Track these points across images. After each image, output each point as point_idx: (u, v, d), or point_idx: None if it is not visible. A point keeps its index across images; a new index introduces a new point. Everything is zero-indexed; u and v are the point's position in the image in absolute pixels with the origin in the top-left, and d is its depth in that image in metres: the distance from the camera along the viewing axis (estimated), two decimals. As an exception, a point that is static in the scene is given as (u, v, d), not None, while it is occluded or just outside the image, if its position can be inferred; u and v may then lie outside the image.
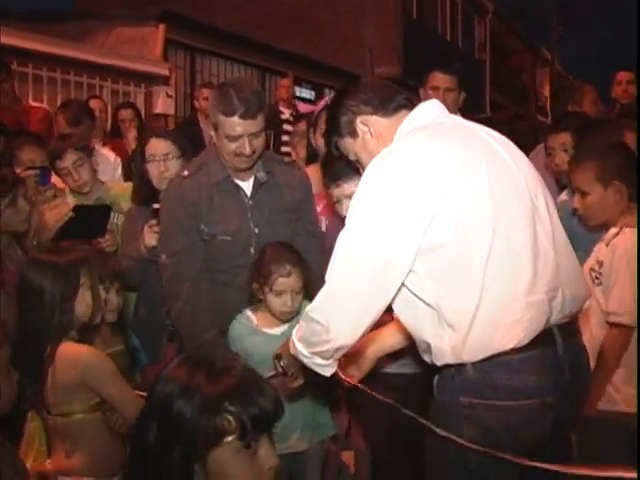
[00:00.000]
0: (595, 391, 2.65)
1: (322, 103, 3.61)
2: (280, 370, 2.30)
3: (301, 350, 2.05)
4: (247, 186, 2.98)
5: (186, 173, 2.99)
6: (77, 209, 2.96)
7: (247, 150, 2.80)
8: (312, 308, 2.00)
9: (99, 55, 8.47)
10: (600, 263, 2.74)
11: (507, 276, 1.90)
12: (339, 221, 2.65)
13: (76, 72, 8.01)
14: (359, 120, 2.16)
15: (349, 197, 2.44)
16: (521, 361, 1.91)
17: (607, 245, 2.76)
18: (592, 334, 2.72)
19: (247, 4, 14.32)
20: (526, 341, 1.91)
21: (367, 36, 14.71)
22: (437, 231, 1.88)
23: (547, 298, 1.94)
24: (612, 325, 2.67)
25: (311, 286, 2.86)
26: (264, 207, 2.98)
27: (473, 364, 1.92)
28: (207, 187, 2.93)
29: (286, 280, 2.75)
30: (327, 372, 2.07)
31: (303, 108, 7.83)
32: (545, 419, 1.96)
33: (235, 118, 2.74)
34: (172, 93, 9.25)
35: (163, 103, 9.04)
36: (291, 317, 2.82)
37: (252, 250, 2.90)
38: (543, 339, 1.94)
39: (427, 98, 3.98)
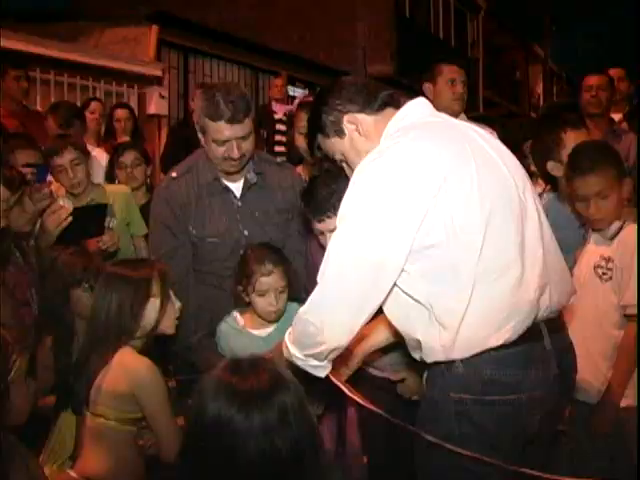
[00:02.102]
0: (618, 385, 2.71)
1: (297, 101, 3.59)
2: None
3: (295, 353, 2.06)
4: (237, 188, 2.97)
5: (174, 174, 2.98)
6: (74, 212, 2.97)
7: (235, 154, 2.79)
8: (305, 310, 2.00)
9: (92, 56, 8.45)
10: (607, 259, 2.79)
11: (496, 275, 1.91)
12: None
13: (69, 74, 8.01)
14: (346, 119, 2.14)
15: (333, 231, 2.38)
16: (509, 356, 1.94)
17: (611, 239, 2.81)
18: (604, 330, 2.79)
19: (240, 4, 14.31)
20: (514, 338, 1.93)
21: (360, 35, 14.72)
22: (428, 231, 1.88)
23: (535, 296, 1.96)
24: (632, 317, 2.72)
25: (300, 287, 2.88)
26: (254, 209, 2.97)
27: (462, 360, 1.94)
28: (195, 189, 2.92)
29: (268, 279, 2.76)
30: (321, 373, 2.08)
31: (279, 108, 7.79)
32: (533, 413, 1.99)
33: (222, 123, 2.73)
34: (165, 94, 9.25)
35: (156, 104, 9.03)
36: (277, 317, 2.83)
37: (242, 252, 2.89)
38: (530, 334, 1.97)
39: (440, 93, 3.99)
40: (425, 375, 2.10)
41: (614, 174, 2.79)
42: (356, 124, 2.14)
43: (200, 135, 2.86)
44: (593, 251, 2.88)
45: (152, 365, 2.39)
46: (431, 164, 1.91)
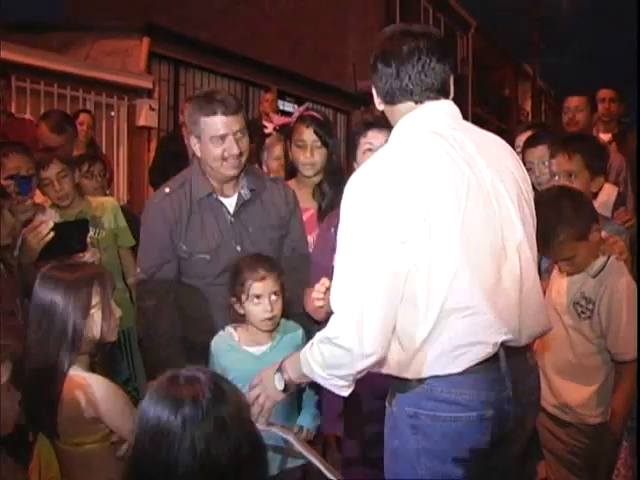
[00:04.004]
0: (617, 424, 2.76)
1: (296, 114, 3.56)
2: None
3: (320, 373, 2.00)
4: (230, 203, 2.97)
5: (167, 190, 2.96)
6: (56, 227, 2.92)
7: (235, 149, 2.80)
8: (335, 335, 1.92)
9: (83, 67, 8.47)
10: (588, 299, 2.78)
11: (464, 314, 1.91)
12: (324, 236, 2.66)
13: (60, 84, 8.01)
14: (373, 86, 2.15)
15: (370, 149, 2.76)
16: (463, 378, 1.95)
17: (594, 277, 2.78)
18: (579, 361, 2.83)
19: (231, 17, 14.36)
20: (470, 366, 1.95)
21: (350, 50, 14.80)
22: (409, 254, 1.88)
23: (500, 339, 1.97)
24: (625, 363, 2.75)
25: (297, 304, 2.87)
26: (248, 225, 2.96)
27: (417, 379, 1.97)
28: (188, 204, 2.91)
29: (261, 284, 2.74)
30: (345, 392, 2.04)
31: (277, 120, 7.81)
32: (485, 432, 2.01)
33: (218, 116, 2.77)
34: (155, 106, 9.25)
35: (146, 116, 9.03)
36: (272, 326, 2.81)
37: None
38: (487, 359, 1.97)
39: None
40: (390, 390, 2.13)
41: (574, 235, 2.71)
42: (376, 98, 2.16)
43: (196, 143, 2.86)
44: (572, 282, 2.85)
45: (101, 379, 2.35)
46: (420, 196, 1.88)
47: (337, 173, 3.41)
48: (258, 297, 2.75)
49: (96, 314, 2.37)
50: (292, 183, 3.41)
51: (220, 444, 1.54)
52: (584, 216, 2.74)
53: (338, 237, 1.98)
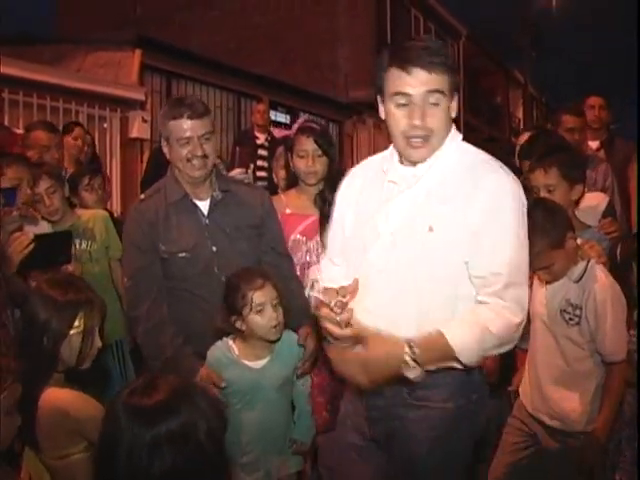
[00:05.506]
0: (605, 425, 2.79)
1: (296, 126, 3.64)
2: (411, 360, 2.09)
3: (471, 357, 2.11)
4: (204, 205, 3.04)
5: (143, 196, 3.08)
6: (37, 239, 2.90)
7: (199, 151, 2.90)
8: (516, 314, 2.14)
9: (75, 80, 8.51)
10: (574, 306, 2.83)
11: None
12: None
13: (52, 97, 8.05)
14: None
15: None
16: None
17: (576, 282, 2.82)
18: (572, 368, 2.86)
19: (222, 28, 14.42)
20: None
21: (342, 60, 14.88)
22: None
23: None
24: (615, 364, 2.80)
25: (285, 302, 2.88)
26: (223, 225, 3.03)
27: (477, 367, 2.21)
28: (164, 207, 3.00)
29: (261, 292, 2.77)
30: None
31: (279, 133, 7.87)
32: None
33: (183, 119, 2.89)
34: (148, 118, 9.29)
35: (139, 128, 9.08)
36: (279, 333, 2.83)
37: (215, 269, 2.95)
38: None
39: None
40: (436, 390, 2.21)
41: (551, 243, 2.77)
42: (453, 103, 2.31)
43: (165, 146, 2.98)
44: (555, 290, 2.90)
45: (77, 395, 2.36)
46: None
47: (338, 180, 3.47)
48: (261, 306, 2.77)
49: (75, 338, 2.39)
50: (293, 192, 3.52)
51: (161, 456, 1.54)
52: (559, 225, 2.80)
53: (509, 228, 2.17)
